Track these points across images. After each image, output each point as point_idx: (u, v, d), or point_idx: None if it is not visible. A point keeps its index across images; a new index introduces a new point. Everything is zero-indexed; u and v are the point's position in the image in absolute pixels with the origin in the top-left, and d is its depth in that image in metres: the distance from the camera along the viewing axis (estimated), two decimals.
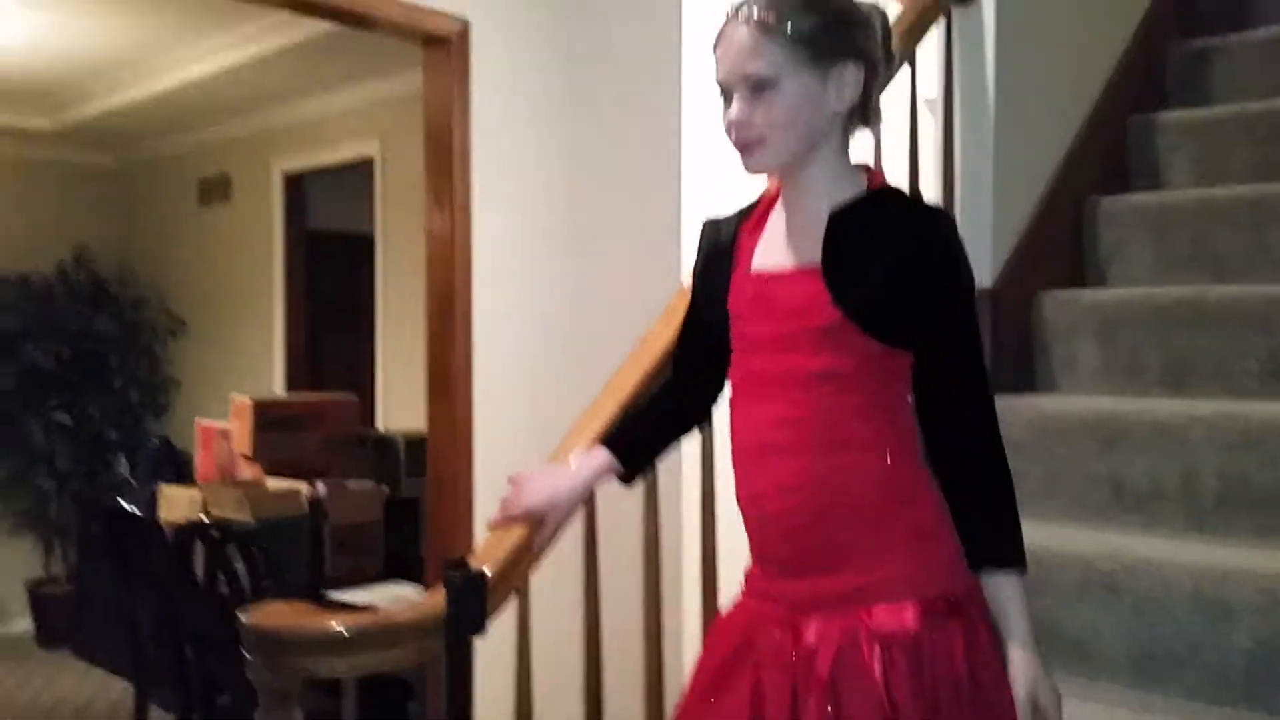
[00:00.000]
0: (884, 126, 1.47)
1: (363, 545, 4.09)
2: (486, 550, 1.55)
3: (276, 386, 5.56)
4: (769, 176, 1.43)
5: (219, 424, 4.59)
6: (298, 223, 5.65)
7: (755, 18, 1.29)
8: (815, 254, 1.33)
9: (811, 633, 1.31)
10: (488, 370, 3.04)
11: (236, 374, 5.60)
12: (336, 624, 1.44)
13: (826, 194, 1.35)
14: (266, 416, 4.31)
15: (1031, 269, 2.48)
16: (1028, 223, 2.52)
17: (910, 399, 1.36)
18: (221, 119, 5.68)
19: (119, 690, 5.05)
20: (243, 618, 1.46)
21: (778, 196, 1.41)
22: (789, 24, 1.28)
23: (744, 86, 1.30)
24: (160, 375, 6.28)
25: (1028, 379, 2.47)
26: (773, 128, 1.30)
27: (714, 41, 1.33)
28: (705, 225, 1.50)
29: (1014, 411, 2.23)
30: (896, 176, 2.16)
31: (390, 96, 4.89)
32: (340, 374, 5.68)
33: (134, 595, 3.92)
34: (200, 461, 4.70)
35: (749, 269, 1.40)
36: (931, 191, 2.35)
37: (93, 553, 5.57)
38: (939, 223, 1.35)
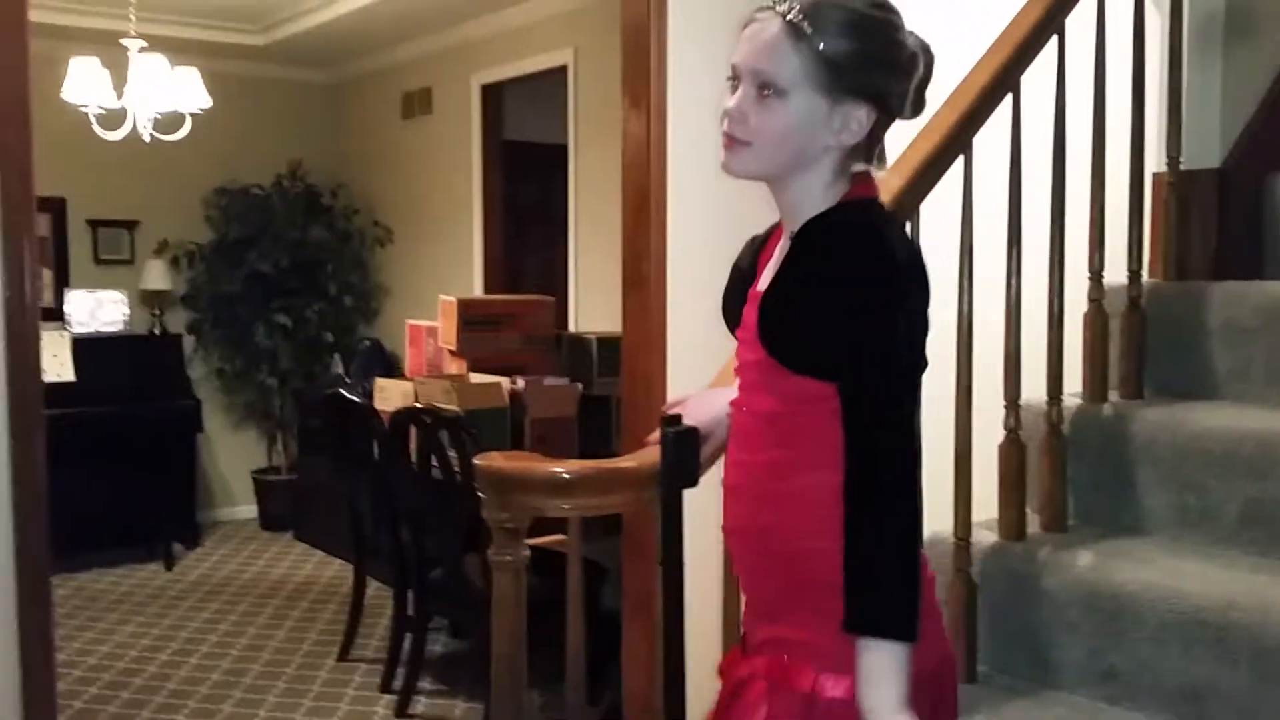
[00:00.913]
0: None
1: (559, 439, 4.28)
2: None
3: (476, 292, 5.80)
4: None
5: (427, 323, 4.85)
6: (494, 133, 5.83)
7: (791, 18, 1.20)
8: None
9: (744, 673, 1.31)
10: (681, 270, 3.10)
11: (439, 280, 5.86)
12: (560, 468, 1.55)
13: (806, 217, 1.26)
14: (470, 315, 4.53)
15: (1262, 150, 2.35)
16: (1259, 102, 2.38)
17: None
18: (424, 33, 5.88)
19: (336, 568, 5.48)
20: (478, 462, 1.58)
21: None
22: (822, 40, 1.19)
23: (753, 82, 1.22)
24: (370, 282, 6.65)
25: (1255, 264, 2.36)
26: (763, 136, 1.23)
27: (744, 21, 1.25)
28: (747, 242, 1.44)
29: (1241, 296, 2.15)
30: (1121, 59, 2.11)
31: (584, 4, 4.96)
32: (535, 280, 5.89)
33: (353, 479, 4.23)
34: (409, 358, 4.99)
35: (756, 286, 1.34)
36: (1157, 74, 2.25)
37: (311, 445, 6.01)
38: (855, 243, 1.20)
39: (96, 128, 4.72)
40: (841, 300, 1.17)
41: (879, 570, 1.16)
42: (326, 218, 6.47)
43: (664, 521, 1.57)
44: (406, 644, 3.89)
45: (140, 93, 4.73)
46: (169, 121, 4.86)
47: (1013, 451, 2.05)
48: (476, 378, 4.38)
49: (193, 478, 6.13)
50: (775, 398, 1.26)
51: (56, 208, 6.03)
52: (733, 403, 1.37)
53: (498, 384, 4.27)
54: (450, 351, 4.61)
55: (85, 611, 4.93)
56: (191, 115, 4.84)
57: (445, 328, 4.59)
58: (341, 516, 4.46)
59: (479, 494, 1.56)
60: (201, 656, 4.34)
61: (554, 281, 5.57)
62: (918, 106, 1.27)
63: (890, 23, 1.23)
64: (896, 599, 1.15)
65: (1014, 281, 2.03)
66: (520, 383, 4.33)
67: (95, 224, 6.26)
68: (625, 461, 1.63)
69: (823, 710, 1.21)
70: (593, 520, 2.08)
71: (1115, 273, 2.19)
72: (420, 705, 3.81)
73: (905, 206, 1.86)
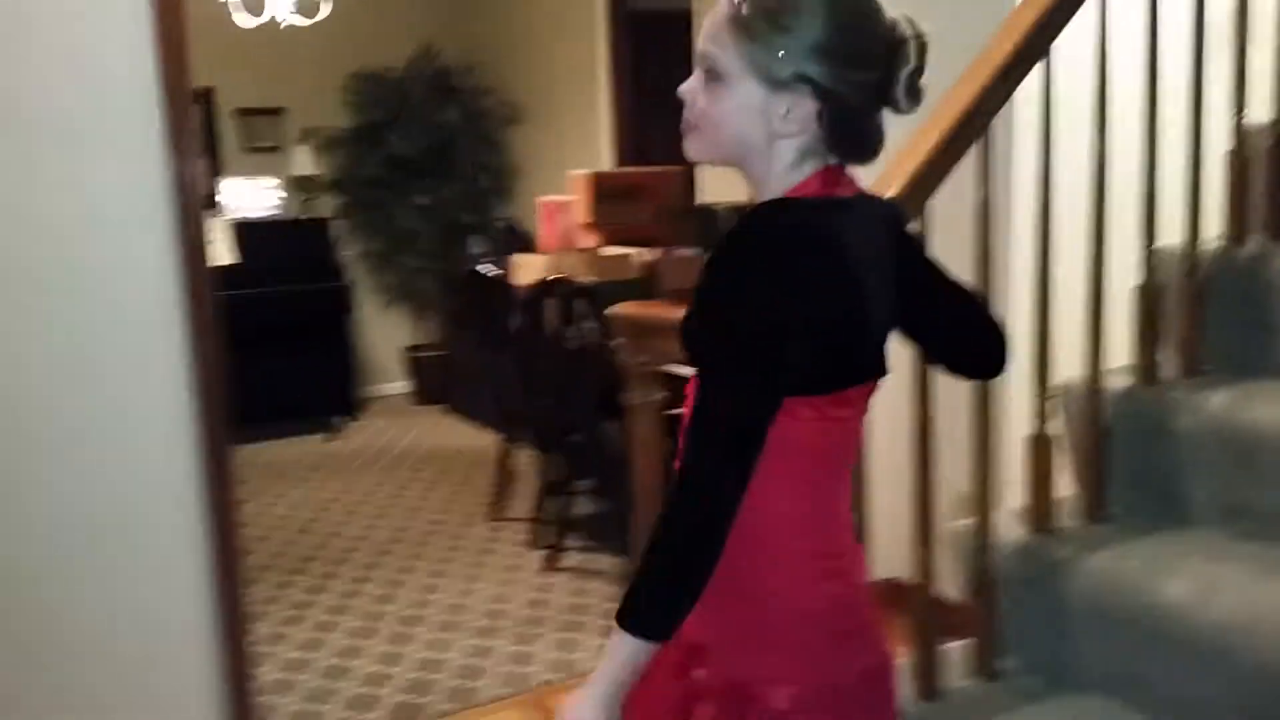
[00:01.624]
0: None
1: None
2: None
3: (605, 167, 5.85)
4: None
5: (559, 198, 4.94)
6: (620, 3, 5.79)
7: (735, 3, 1.16)
8: None
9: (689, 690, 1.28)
10: None
11: (569, 157, 5.93)
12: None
13: None
14: (604, 188, 4.60)
15: None
16: None
17: (796, 457, 1.17)
18: None
19: (486, 439, 5.74)
20: (614, 310, 1.67)
21: None
22: (759, 29, 1.13)
23: (701, 66, 1.19)
24: (503, 161, 6.77)
25: None
26: (706, 120, 1.20)
27: None
28: None
29: None
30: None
31: None
32: (663, 152, 5.89)
33: (494, 352, 4.42)
34: (544, 234, 5.10)
35: None
36: None
37: (457, 321, 6.26)
38: (728, 246, 1.14)
39: (236, 15, 4.88)
40: (700, 292, 1.15)
41: (645, 561, 1.13)
42: (459, 99, 6.58)
43: None
44: (553, 505, 4.10)
45: None
46: (307, 6, 4.98)
47: (1148, 296, 2.02)
48: (609, 250, 4.47)
49: (349, 355, 6.47)
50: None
51: (206, 98, 6.29)
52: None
53: (629, 256, 4.36)
54: (583, 226, 4.70)
55: (258, 479, 5.33)
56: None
57: (578, 202, 4.68)
58: (487, 388, 4.67)
59: (616, 346, 1.65)
60: (365, 517, 4.67)
61: (680, 152, 5.56)
62: (912, 96, 1.17)
63: (838, 11, 1.14)
64: (642, 592, 1.12)
65: (1151, 122, 1.97)
66: (653, 253, 4.40)
67: (243, 113, 6.52)
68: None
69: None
70: None
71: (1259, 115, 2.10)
72: (568, 560, 4.03)
73: (1037, 46, 1.82)
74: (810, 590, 1.20)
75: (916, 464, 1.82)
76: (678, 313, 1.65)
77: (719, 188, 5.23)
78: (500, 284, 4.28)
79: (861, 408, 1.23)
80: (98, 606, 2.45)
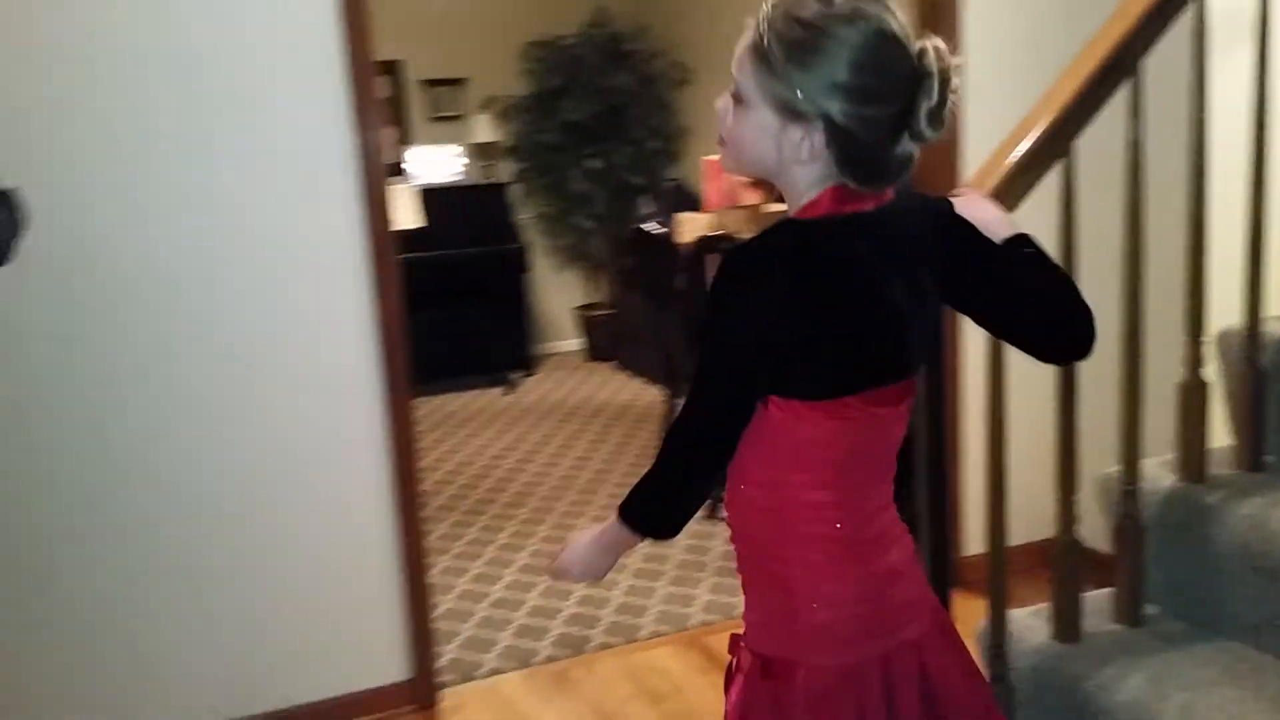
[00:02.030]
0: None
1: None
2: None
3: None
4: None
5: None
6: None
7: (759, 31, 1.17)
8: None
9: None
10: (975, 83, 3.05)
11: None
12: None
13: None
14: None
15: None
16: None
17: (818, 452, 1.26)
18: None
19: (654, 393, 5.89)
20: None
21: None
22: (779, 63, 1.15)
23: (731, 87, 1.23)
24: (673, 123, 6.87)
25: None
26: (732, 139, 1.25)
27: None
28: None
29: None
30: None
31: None
32: None
33: (660, 310, 4.54)
34: (708, 192, 5.16)
35: None
36: None
37: (627, 280, 6.42)
38: (723, 263, 1.22)
39: None
40: (707, 296, 1.25)
41: (642, 478, 1.33)
42: (630, 63, 6.70)
43: None
44: None
45: None
46: None
47: (1197, 386, 1.92)
48: (772, 206, 4.51)
49: (525, 314, 6.74)
50: None
51: (394, 70, 6.62)
52: None
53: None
54: (746, 183, 4.74)
55: (441, 428, 5.65)
56: None
57: None
58: (654, 345, 4.80)
59: None
60: (538, 466, 4.90)
61: None
62: (933, 126, 1.16)
63: (863, 51, 1.14)
64: (635, 497, 1.34)
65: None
66: None
67: (428, 83, 6.83)
68: None
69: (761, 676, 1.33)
70: None
71: None
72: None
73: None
74: (829, 573, 1.28)
75: (1061, 408, 1.83)
76: None
77: None
78: (665, 242, 4.39)
79: (893, 407, 1.27)
80: (297, 538, 2.71)
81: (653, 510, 1.35)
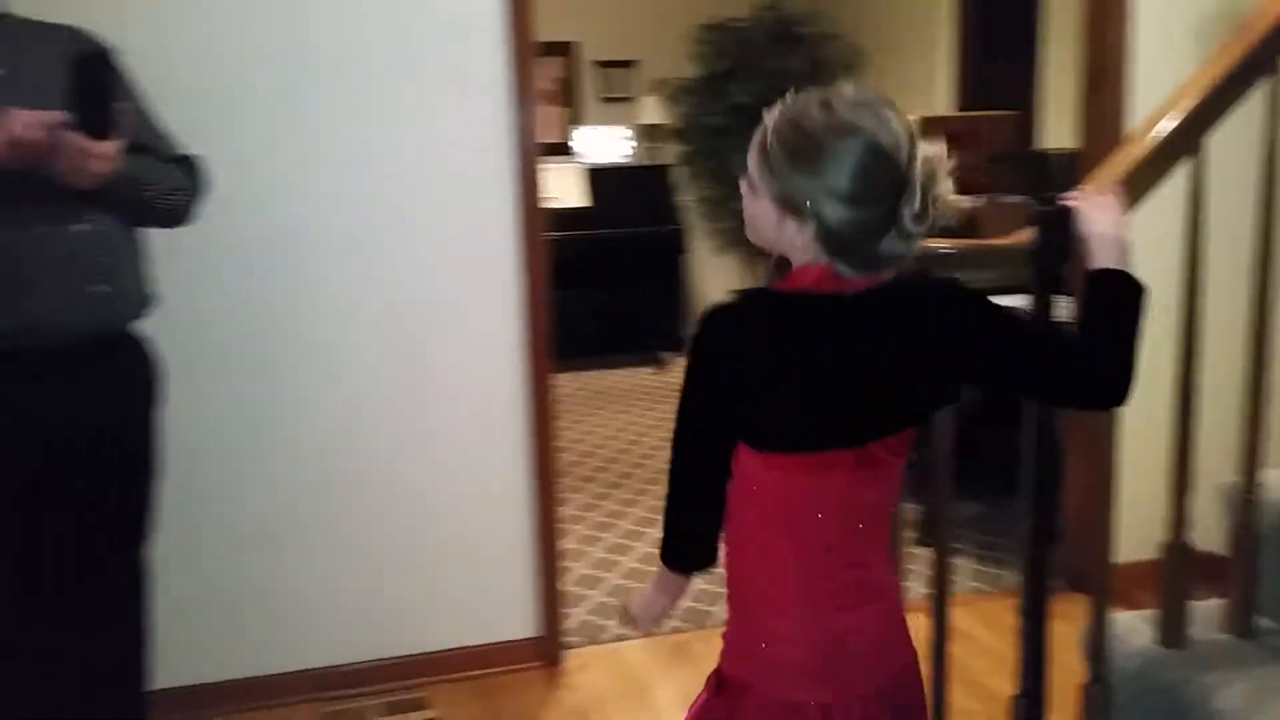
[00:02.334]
0: None
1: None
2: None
3: (945, 109, 5.76)
4: None
5: None
6: None
7: (766, 125, 1.30)
8: None
9: None
10: (1148, 70, 2.95)
11: (907, 101, 5.84)
12: (943, 244, 1.70)
13: None
14: (929, 133, 4.55)
15: None
16: None
17: (767, 495, 1.34)
18: None
19: None
20: None
21: None
22: (779, 164, 1.27)
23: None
24: None
25: None
26: (746, 215, 1.36)
27: None
28: None
29: None
30: None
31: None
32: (1005, 95, 5.70)
33: None
34: None
35: None
36: None
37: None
38: (701, 317, 1.33)
39: None
40: None
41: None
42: (801, 46, 6.67)
43: (1037, 295, 1.67)
44: None
45: None
46: None
47: None
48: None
49: (680, 295, 6.83)
50: None
51: (568, 51, 6.80)
52: None
53: (954, 202, 4.31)
54: None
55: (589, 403, 5.81)
56: None
57: None
58: None
59: None
60: None
61: (1026, 95, 5.37)
62: (918, 223, 1.26)
63: (862, 160, 1.23)
64: (663, 529, 1.45)
65: None
66: (975, 200, 4.33)
67: (601, 65, 6.98)
68: (999, 239, 1.74)
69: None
70: None
71: None
72: None
73: None
74: (782, 614, 1.36)
75: (1177, 414, 1.78)
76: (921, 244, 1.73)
77: (1060, 134, 5.03)
78: None
79: (847, 472, 1.31)
80: (442, 495, 2.87)
81: (669, 543, 1.46)
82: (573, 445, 4.98)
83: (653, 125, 6.95)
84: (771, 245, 1.34)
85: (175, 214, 2.02)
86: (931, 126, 4.67)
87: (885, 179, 1.24)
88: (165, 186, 1.97)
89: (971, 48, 5.71)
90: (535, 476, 2.91)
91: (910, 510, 3.63)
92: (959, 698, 2.58)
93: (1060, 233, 1.61)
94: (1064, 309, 1.68)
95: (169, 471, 2.13)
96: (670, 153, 7.03)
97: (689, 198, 7.02)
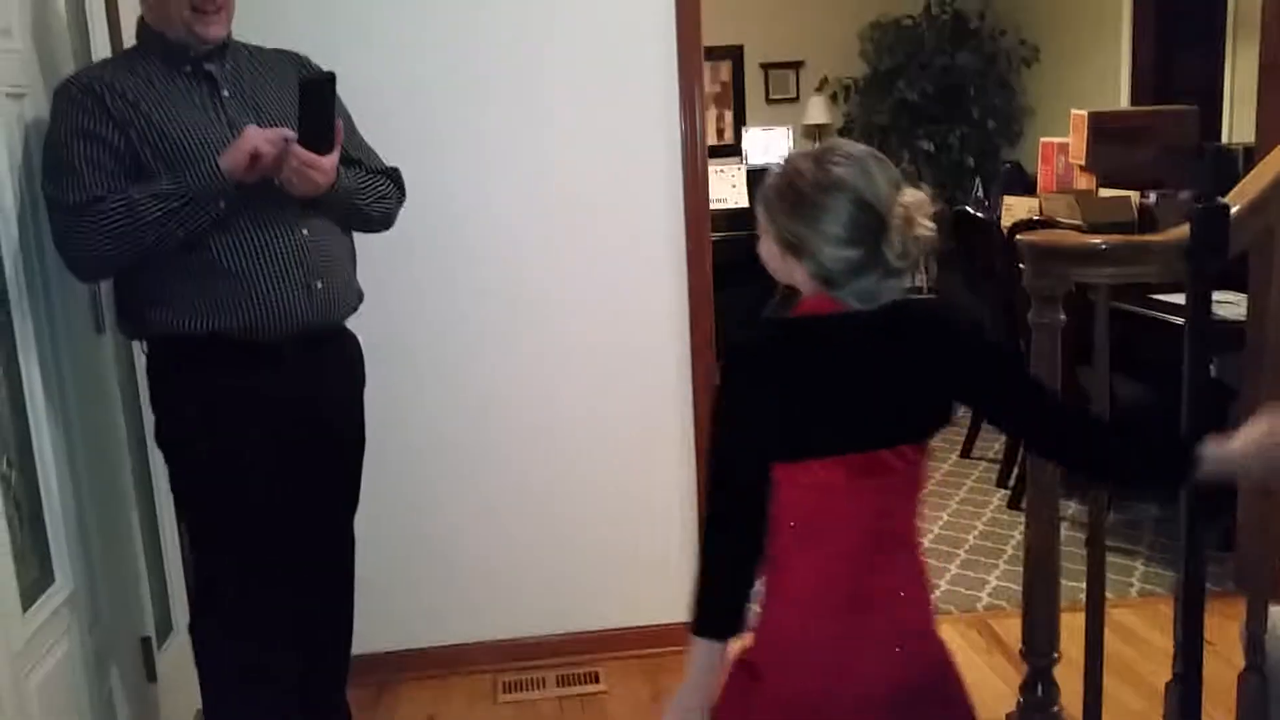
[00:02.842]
0: None
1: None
2: (1240, 189, 1.69)
3: (1123, 104, 5.60)
4: None
5: (1059, 140, 4.87)
6: None
7: (768, 184, 1.45)
8: None
9: None
10: None
11: (1083, 98, 5.73)
12: (1096, 239, 1.74)
13: None
14: (1101, 128, 4.47)
15: None
16: None
17: (790, 500, 1.44)
18: None
19: None
20: (1020, 238, 1.83)
21: None
22: (778, 213, 1.42)
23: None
24: (1015, 104, 6.67)
25: None
26: (761, 251, 1.49)
27: None
28: None
29: None
30: None
31: None
32: (1190, 88, 5.50)
33: (979, 292, 4.51)
34: (1041, 175, 5.05)
35: None
36: None
37: (943, 262, 6.34)
38: (726, 354, 1.51)
39: None
40: None
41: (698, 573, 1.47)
42: (974, 42, 6.58)
43: (1191, 291, 1.69)
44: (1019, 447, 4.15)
45: None
46: None
47: None
48: (1104, 192, 4.36)
49: None
50: None
51: (735, 55, 6.91)
52: None
53: (1126, 199, 4.22)
54: (1079, 167, 4.61)
55: None
56: None
57: (1075, 142, 4.59)
58: None
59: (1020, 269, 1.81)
60: None
61: (1212, 88, 5.17)
62: (902, 260, 1.39)
63: (854, 211, 1.38)
64: (694, 589, 1.45)
65: None
66: (1151, 196, 4.23)
67: (767, 66, 7.06)
68: (1156, 235, 1.76)
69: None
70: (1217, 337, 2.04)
71: None
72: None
73: None
74: (802, 608, 1.46)
75: None
76: (1082, 237, 1.79)
77: (1244, 128, 4.83)
78: (986, 225, 4.36)
79: (862, 480, 1.43)
80: (617, 483, 3.03)
81: (701, 603, 1.45)
82: None
83: (816, 125, 6.98)
84: (781, 278, 1.49)
85: (384, 219, 2.25)
86: (1100, 121, 4.64)
87: (870, 226, 1.39)
88: (374, 195, 2.20)
89: (1152, 39, 5.53)
90: (699, 465, 3.02)
91: (1077, 512, 3.61)
92: (1129, 698, 2.59)
93: (1214, 231, 1.64)
94: (1227, 306, 1.70)
95: (375, 450, 2.38)
96: None
97: None
